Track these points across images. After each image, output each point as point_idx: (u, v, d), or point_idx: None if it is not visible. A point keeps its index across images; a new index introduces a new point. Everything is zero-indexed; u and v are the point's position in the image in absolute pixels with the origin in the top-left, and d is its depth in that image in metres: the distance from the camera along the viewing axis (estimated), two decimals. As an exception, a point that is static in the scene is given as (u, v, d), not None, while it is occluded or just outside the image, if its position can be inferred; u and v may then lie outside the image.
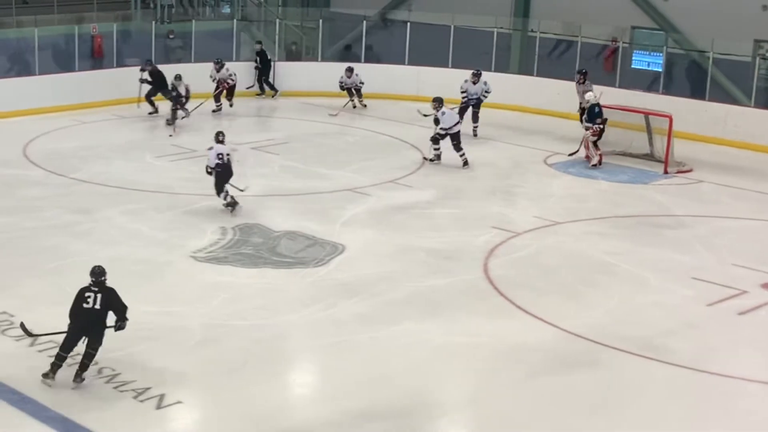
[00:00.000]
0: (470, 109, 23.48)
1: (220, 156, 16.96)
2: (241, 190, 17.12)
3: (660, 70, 26.31)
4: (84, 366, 10.86)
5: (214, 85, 25.24)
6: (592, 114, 20.98)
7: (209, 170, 17.04)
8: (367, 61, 28.63)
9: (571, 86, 25.30)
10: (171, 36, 28.01)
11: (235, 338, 12.22)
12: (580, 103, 22.72)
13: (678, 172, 20.92)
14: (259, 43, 27.63)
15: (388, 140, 22.79)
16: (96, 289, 10.92)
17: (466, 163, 20.54)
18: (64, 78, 25.37)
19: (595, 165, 20.77)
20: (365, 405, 10.69)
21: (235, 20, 29.73)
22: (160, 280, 14.15)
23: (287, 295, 13.69)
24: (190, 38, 27.91)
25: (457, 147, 20.52)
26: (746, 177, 20.94)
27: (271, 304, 13.36)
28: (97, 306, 10.85)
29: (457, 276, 14.58)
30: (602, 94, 21.58)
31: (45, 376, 10.87)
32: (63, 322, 11.57)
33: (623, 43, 27.42)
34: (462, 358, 11.90)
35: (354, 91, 26.00)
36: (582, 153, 21.29)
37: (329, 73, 26.92)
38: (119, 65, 26.51)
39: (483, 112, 23.61)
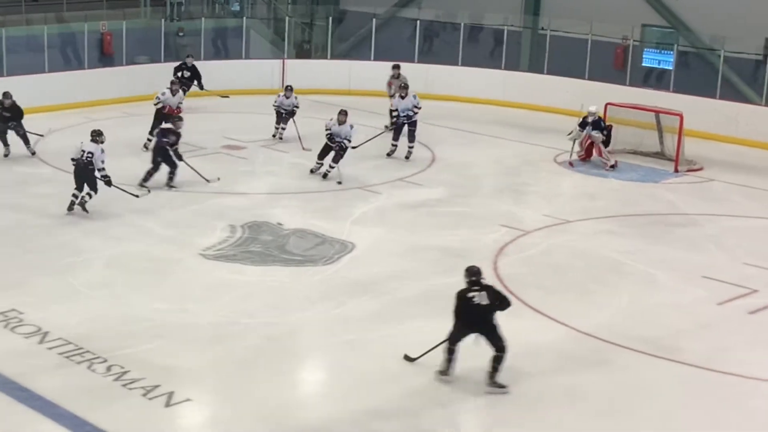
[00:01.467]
0: (405, 128, 21.09)
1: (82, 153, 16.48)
2: (136, 196, 17.12)
3: (671, 68, 26.22)
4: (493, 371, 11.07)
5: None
6: (598, 125, 20.79)
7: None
8: (376, 59, 28.57)
9: (581, 84, 25.29)
10: (181, 34, 27.98)
11: (244, 336, 12.20)
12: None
13: (688, 170, 20.84)
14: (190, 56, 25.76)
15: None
16: (477, 288, 11.04)
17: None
18: (74, 76, 25.41)
19: (612, 166, 20.64)
20: (376, 403, 10.66)
21: (244, 18, 29.72)
22: (169, 277, 14.13)
23: (297, 293, 13.66)
24: (199, 36, 27.89)
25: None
26: (757, 176, 20.86)
27: (280, 302, 13.33)
28: (484, 302, 11.03)
29: (467, 274, 14.51)
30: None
31: (442, 373, 11.17)
32: (73, 320, 11.63)
33: (634, 41, 27.31)
34: (473, 358, 11.80)
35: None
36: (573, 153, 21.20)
37: (338, 70, 26.92)
38: (129, 63, 26.51)
39: (492, 110, 23.51)
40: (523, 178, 19.96)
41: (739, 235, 16.79)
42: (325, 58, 29.24)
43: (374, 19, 29.52)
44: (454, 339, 11.22)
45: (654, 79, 26.37)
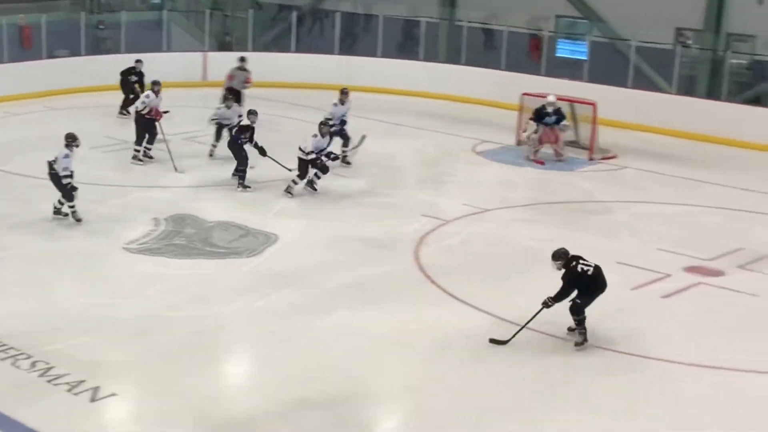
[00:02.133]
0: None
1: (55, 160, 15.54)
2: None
3: (584, 58, 26.55)
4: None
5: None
6: (561, 115, 20.77)
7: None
8: (298, 51, 28.52)
9: (498, 74, 25.51)
10: (101, 27, 27.60)
11: (170, 329, 12.10)
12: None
13: (603, 158, 21.15)
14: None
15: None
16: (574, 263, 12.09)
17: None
18: (-8, 69, 24.96)
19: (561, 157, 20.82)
20: (301, 394, 10.63)
21: (164, 11, 29.42)
22: (93, 272, 13.95)
23: (222, 286, 13.59)
24: (120, 29, 27.54)
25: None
26: (669, 163, 21.24)
27: (205, 294, 13.24)
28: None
29: (390, 265, 14.59)
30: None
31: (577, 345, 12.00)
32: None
33: (548, 32, 27.59)
34: (397, 347, 11.89)
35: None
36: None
37: (260, 62, 26.72)
38: (49, 56, 26.09)
39: (412, 101, 23.55)
40: (444, 168, 20.09)
41: (651, 221, 17.07)
42: (246, 50, 29.07)
43: (295, 12, 29.46)
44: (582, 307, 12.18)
45: (568, 69, 26.66)
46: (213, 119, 20.03)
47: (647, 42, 25.69)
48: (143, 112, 19.60)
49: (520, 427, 10.24)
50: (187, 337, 11.93)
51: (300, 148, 17.39)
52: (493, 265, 14.80)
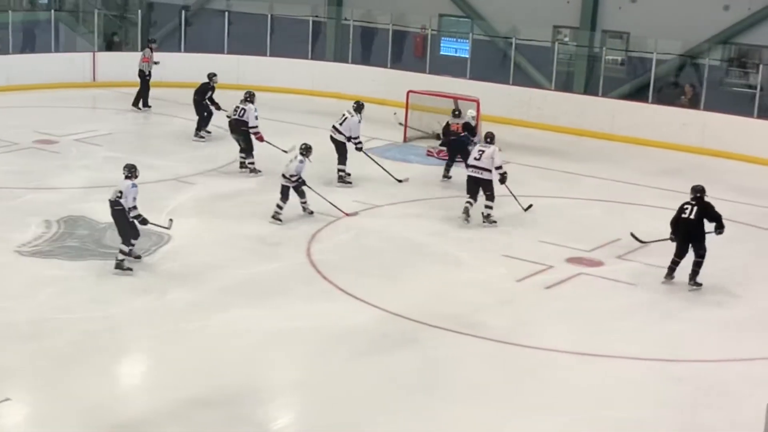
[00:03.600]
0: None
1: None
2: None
3: (467, 56, 26.77)
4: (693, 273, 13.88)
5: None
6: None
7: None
8: (187, 51, 28.16)
9: (384, 72, 25.61)
10: (-12, 27, 26.89)
11: (64, 332, 11.82)
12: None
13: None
14: None
15: (211, 128, 22.39)
16: (693, 202, 13.68)
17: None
18: None
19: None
20: (197, 393, 10.49)
21: (53, 11, 28.74)
22: (-16, 276, 13.58)
23: (115, 287, 13.32)
24: (7, 29, 26.82)
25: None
26: (550, 157, 21.56)
27: (99, 295, 12.98)
28: (692, 216, 13.68)
29: (283, 261, 14.53)
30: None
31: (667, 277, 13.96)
32: None
33: (432, 30, 27.74)
34: (290, 343, 11.84)
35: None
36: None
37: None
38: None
39: (302, 99, 23.42)
40: (335, 165, 19.98)
41: (535, 215, 17.27)
42: (136, 50, 28.55)
43: (183, 11, 29.09)
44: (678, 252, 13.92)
45: (452, 67, 26.85)
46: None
47: (526, 39, 26.01)
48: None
49: (410, 419, 10.26)
50: (81, 339, 11.68)
51: (283, 175, 16.27)
52: (384, 261, 14.83)
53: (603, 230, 16.50)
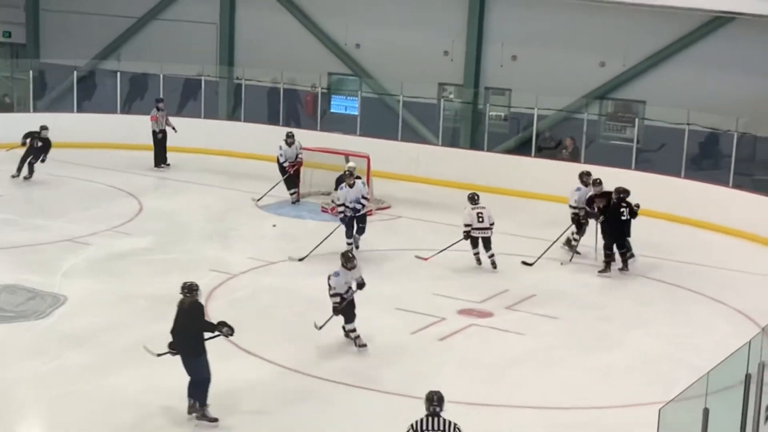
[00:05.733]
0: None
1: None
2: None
3: (356, 113, 27.00)
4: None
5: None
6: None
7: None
8: (79, 111, 27.83)
9: (277, 130, 25.64)
10: None
11: (-43, 398, 11.51)
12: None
13: (378, 209, 21.47)
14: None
15: (104, 188, 22.16)
16: (624, 204, 16.93)
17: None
18: None
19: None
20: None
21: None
22: None
23: (10, 350, 13.06)
24: None
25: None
26: (436, 211, 21.74)
27: (-8, 359, 12.68)
28: (629, 217, 17.04)
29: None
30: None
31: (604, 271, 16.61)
32: None
33: (322, 89, 27.91)
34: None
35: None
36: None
37: (39, 123, 25.89)
38: None
39: (196, 158, 23.24)
40: (229, 223, 19.98)
41: (426, 268, 17.42)
42: (28, 111, 28.10)
43: (75, 72, 28.76)
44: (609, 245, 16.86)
45: (342, 124, 27.02)
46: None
47: (413, 97, 26.34)
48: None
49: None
50: (-25, 405, 11.37)
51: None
52: (280, 317, 14.81)
53: (492, 281, 16.74)
